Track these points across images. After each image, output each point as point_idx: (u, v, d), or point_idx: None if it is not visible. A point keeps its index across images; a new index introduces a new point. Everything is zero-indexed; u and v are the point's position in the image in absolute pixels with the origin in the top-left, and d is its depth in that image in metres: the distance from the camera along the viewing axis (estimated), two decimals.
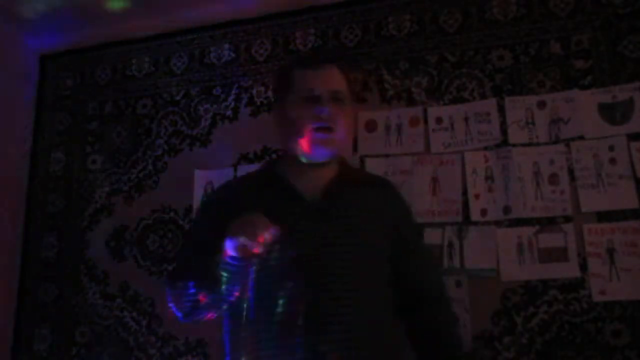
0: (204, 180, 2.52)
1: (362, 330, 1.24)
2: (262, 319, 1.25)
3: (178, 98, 2.69)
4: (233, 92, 2.60)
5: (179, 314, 1.32)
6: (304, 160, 1.34)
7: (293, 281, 1.24)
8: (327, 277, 1.24)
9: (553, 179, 2.10)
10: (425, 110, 2.30)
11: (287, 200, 1.32)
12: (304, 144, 1.31)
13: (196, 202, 2.51)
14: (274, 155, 2.43)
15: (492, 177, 2.17)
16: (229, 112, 2.59)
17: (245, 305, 1.28)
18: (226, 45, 2.66)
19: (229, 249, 1.16)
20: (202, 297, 1.25)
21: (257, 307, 1.26)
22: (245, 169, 2.46)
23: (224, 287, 1.21)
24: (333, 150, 1.33)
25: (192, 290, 1.25)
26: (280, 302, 1.23)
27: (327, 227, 1.28)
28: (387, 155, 2.30)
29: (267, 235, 1.13)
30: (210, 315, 1.31)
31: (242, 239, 1.12)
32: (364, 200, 1.36)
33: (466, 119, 2.25)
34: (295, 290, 1.23)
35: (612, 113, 2.09)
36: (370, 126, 2.35)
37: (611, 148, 2.06)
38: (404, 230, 1.41)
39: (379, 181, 1.51)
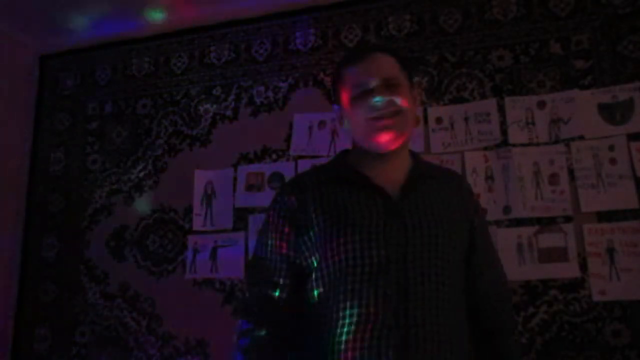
0: (204, 180, 2.52)
1: (445, 337, 1.18)
2: (340, 321, 1.19)
3: (178, 98, 2.69)
4: (233, 92, 2.60)
5: None
6: (374, 152, 1.30)
7: (378, 284, 1.18)
8: (415, 279, 1.19)
9: (553, 179, 2.10)
10: (425, 110, 2.30)
11: (368, 195, 1.26)
12: (368, 137, 1.28)
13: (196, 202, 2.51)
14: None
15: (492, 177, 2.17)
16: (229, 112, 2.59)
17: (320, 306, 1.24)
18: (227, 45, 2.66)
19: None
20: None
21: (333, 309, 1.20)
22: (245, 169, 2.47)
23: None
24: (397, 135, 1.27)
25: None
26: (361, 305, 1.17)
27: (411, 224, 1.22)
28: None
29: None
30: None
31: None
32: (442, 194, 1.31)
33: (466, 119, 2.25)
34: (381, 293, 1.17)
35: (612, 113, 2.09)
36: None
37: (611, 148, 2.06)
38: (476, 224, 1.36)
39: (451, 174, 1.45)
